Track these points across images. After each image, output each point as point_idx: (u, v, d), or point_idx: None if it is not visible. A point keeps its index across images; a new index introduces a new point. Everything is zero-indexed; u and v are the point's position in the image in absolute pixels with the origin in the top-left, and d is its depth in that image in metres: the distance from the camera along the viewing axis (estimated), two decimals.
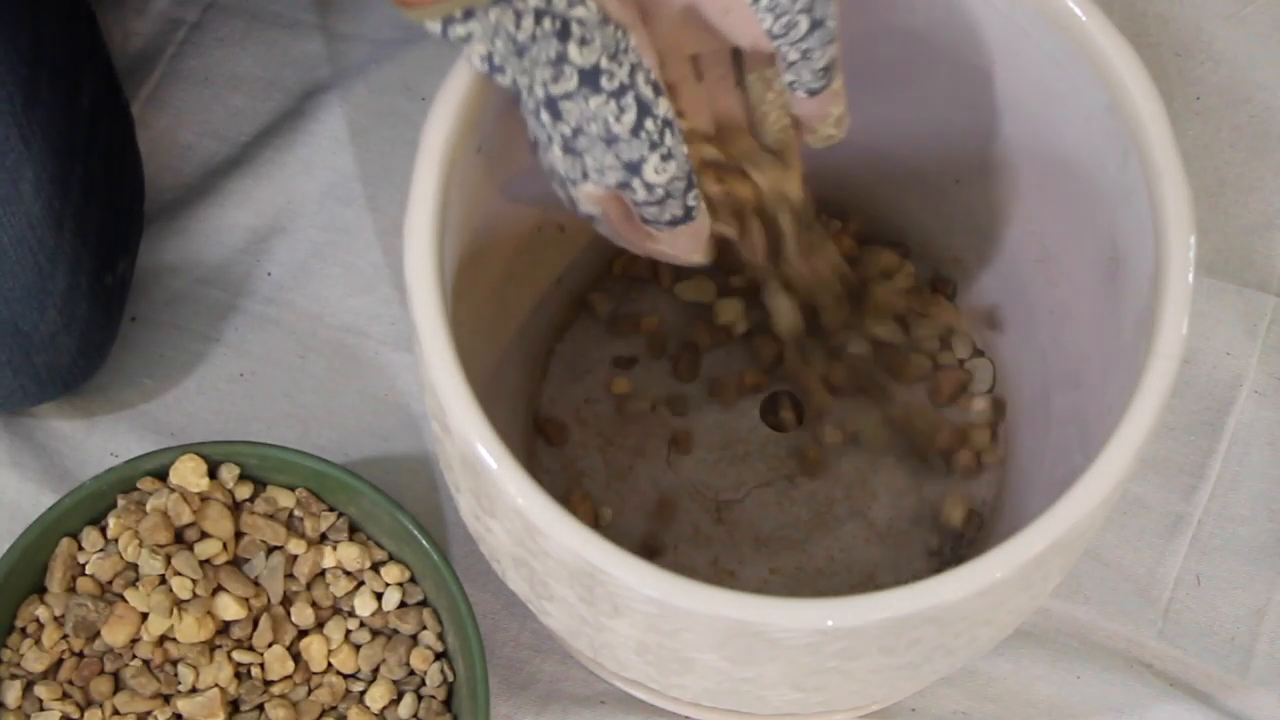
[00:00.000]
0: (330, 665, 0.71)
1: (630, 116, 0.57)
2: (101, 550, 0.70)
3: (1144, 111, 0.56)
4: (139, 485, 0.71)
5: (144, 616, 0.69)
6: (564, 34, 0.56)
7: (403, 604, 0.71)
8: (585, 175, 0.59)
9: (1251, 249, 0.83)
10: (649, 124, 0.58)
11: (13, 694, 0.68)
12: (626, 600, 0.53)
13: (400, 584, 0.72)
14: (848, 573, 0.75)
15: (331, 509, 0.72)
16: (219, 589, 0.70)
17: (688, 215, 0.61)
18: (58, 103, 0.72)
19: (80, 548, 0.71)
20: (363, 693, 0.70)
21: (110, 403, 0.79)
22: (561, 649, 0.75)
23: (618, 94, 0.57)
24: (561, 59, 0.56)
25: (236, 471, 0.72)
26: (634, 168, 0.58)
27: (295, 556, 0.71)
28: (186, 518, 0.70)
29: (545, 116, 0.57)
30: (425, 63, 0.86)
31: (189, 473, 0.71)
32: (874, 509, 0.76)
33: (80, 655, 0.69)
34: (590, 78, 0.56)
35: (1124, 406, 0.54)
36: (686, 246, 0.62)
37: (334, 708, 0.70)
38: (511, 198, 0.67)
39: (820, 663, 0.54)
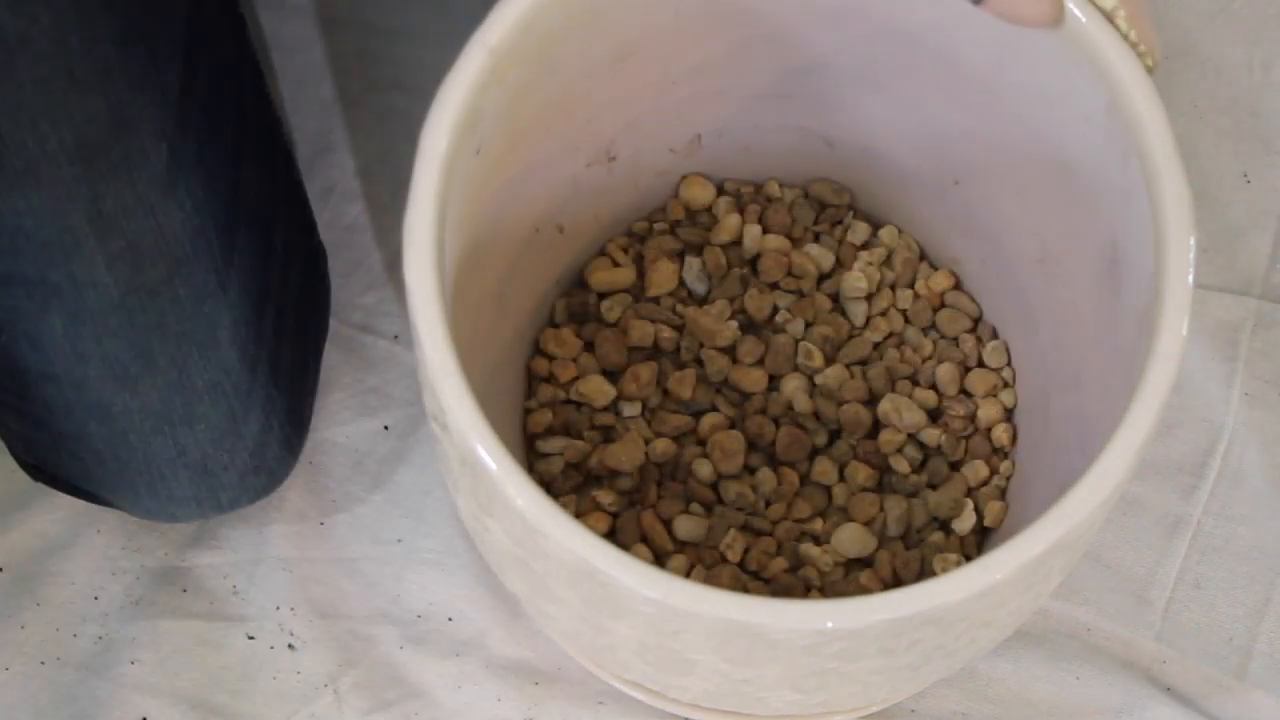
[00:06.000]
0: None
1: None
2: None
3: (1144, 112, 0.56)
4: None
5: None
6: None
7: None
8: None
9: (1235, 251, 0.83)
10: None
11: None
12: (627, 601, 0.53)
13: None
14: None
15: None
16: None
17: None
18: (253, 246, 0.69)
19: None
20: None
21: None
22: (561, 649, 0.75)
23: None
24: None
25: None
26: None
27: None
28: None
29: None
30: (424, 62, 0.86)
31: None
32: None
33: None
34: None
35: (1124, 406, 0.54)
36: None
37: None
38: (511, 198, 0.67)
39: (820, 664, 0.54)
